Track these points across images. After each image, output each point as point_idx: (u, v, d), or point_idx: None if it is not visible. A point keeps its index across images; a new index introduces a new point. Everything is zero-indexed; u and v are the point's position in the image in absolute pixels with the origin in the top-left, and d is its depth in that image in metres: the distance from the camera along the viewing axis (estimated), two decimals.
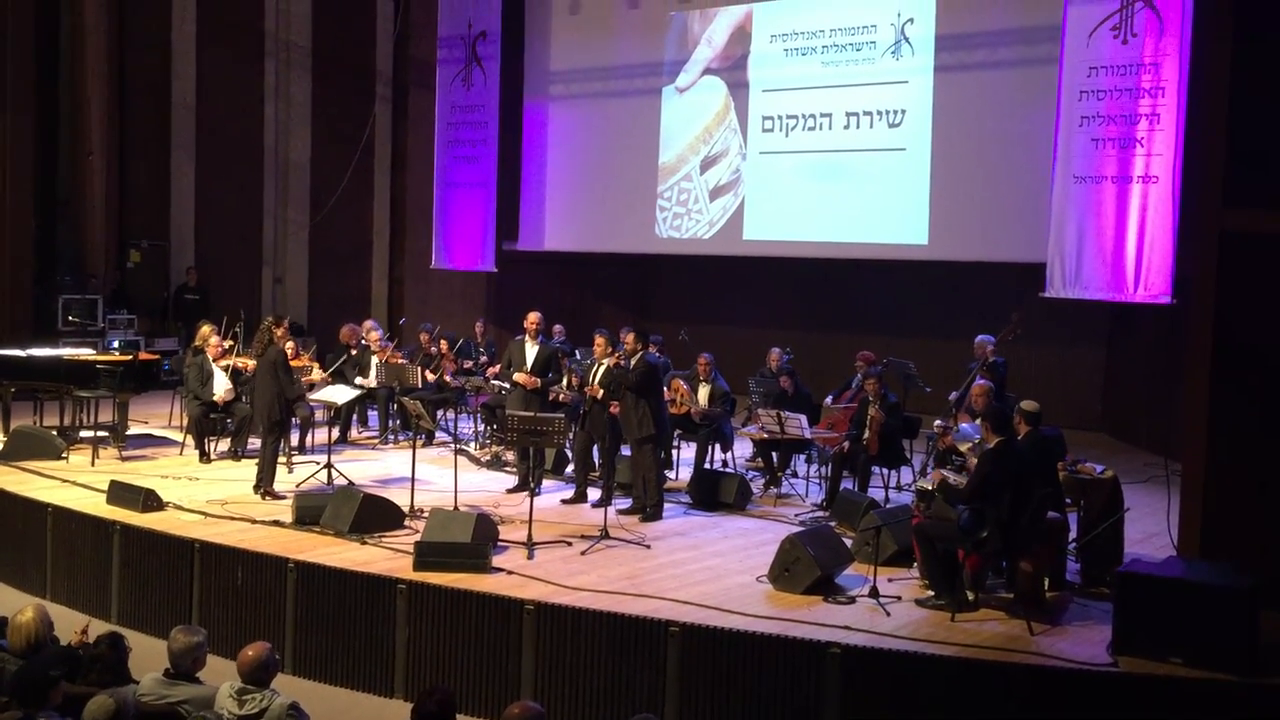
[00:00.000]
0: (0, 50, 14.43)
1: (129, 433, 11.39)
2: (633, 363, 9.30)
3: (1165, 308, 11.04)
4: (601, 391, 9.49)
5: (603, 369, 9.58)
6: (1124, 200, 11.26)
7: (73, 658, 5.61)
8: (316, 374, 11.43)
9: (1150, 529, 8.79)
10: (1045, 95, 11.97)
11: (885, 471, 10.13)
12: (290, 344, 10.96)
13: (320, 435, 11.63)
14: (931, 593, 7.38)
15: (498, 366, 11.65)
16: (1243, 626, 6.23)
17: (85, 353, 12.00)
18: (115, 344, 14.18)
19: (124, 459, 10.73)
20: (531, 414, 8.93)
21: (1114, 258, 11.30)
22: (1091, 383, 14.14)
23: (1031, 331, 10.66)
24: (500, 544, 8.23)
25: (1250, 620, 6.24)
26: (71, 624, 6.83)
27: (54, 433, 11.04)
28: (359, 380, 12.02)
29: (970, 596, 7.27)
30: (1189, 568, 6.92)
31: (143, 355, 12.19)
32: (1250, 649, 6.21)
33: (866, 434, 9.75)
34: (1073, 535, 8.01)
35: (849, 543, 8.21)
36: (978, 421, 8.36)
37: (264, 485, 9.50)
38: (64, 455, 10.59)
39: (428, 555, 7.66)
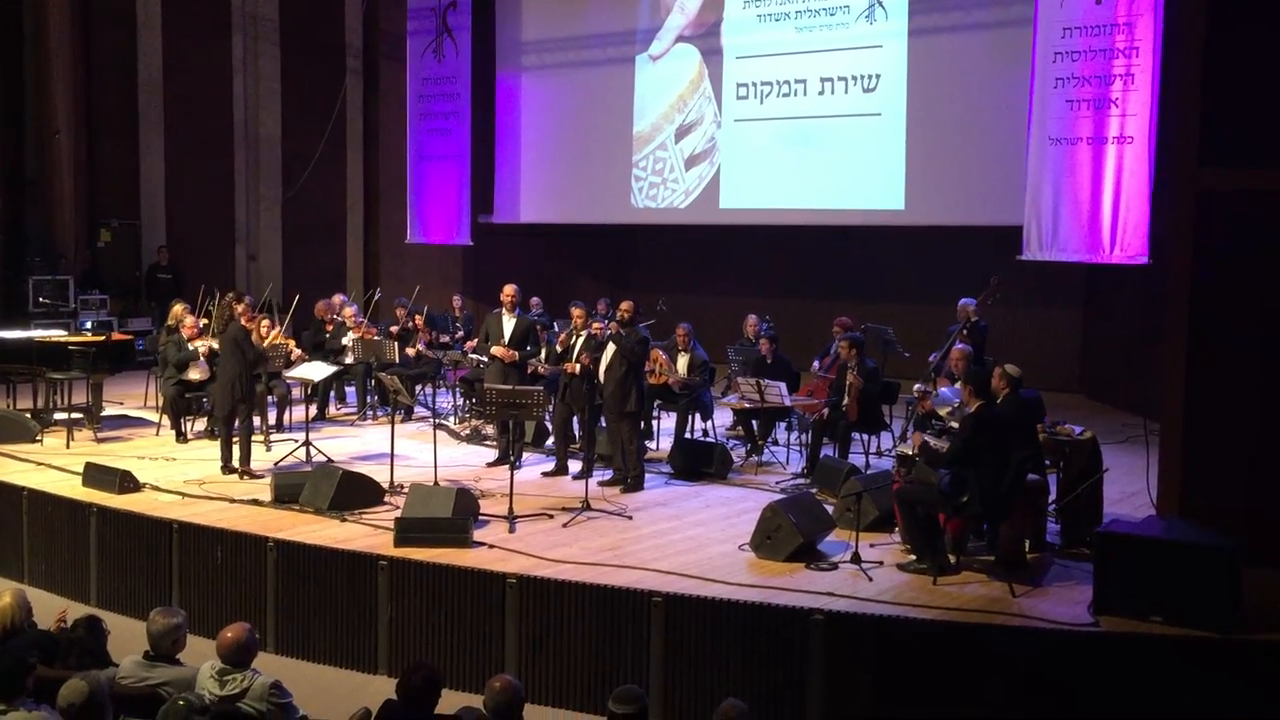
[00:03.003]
0: None
1: (104, 414, 11.29)
2: (625, 334, 9.23)
3: (1142, 268, 11.05)
4: (579, 367, 9.44)
5: (582, 340, 9.53)
6: (1099, 161, 11.25)
7: (50, 642, 5.55)
8: (289, 343, 11.29)
9: (1129, 489, 8.82)
10: (1020, 57, 11.92)
11: (865, 437, 10.13)
12: (266, 321, 10.84)
13: (298, 413, 11.55)
14: (913, 557, 7.40)
15: (475, 340, 11.57)
16: (1225, 584, 6.26)
17: (57, 334, 11.87)
18: (88, 325, 14.10)
19: (99, 440, 10.63)
20: (510, 387, 8.88)
21: (1090, 219, 11.31)
22: (1069, 345, 14.18)
23: (1009, 294, 10.67)
24: (481, 518, 8.20)
25: (1233, 578, 6.27)
26: (50, 608, 6.79)
27: (27, 415, 10.92)
28: (347, 341, 11.94)
29: (952, 560, 7.30)
30: (1169, 527, 6.94)
31: (116, 335, 12.08)
32: (1232, 606, 6.25)
33: (846, 400, 9.74)
34: (1052, 497, 8.04)
35: (830, 509, 8.22)
36: (957, 385, 8.37)
37: (241, 466, 9.41)
38: (38, 438, 10.50)
39: (409, 531, 7.62)
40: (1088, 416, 10.89)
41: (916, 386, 9.40)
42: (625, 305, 9.46)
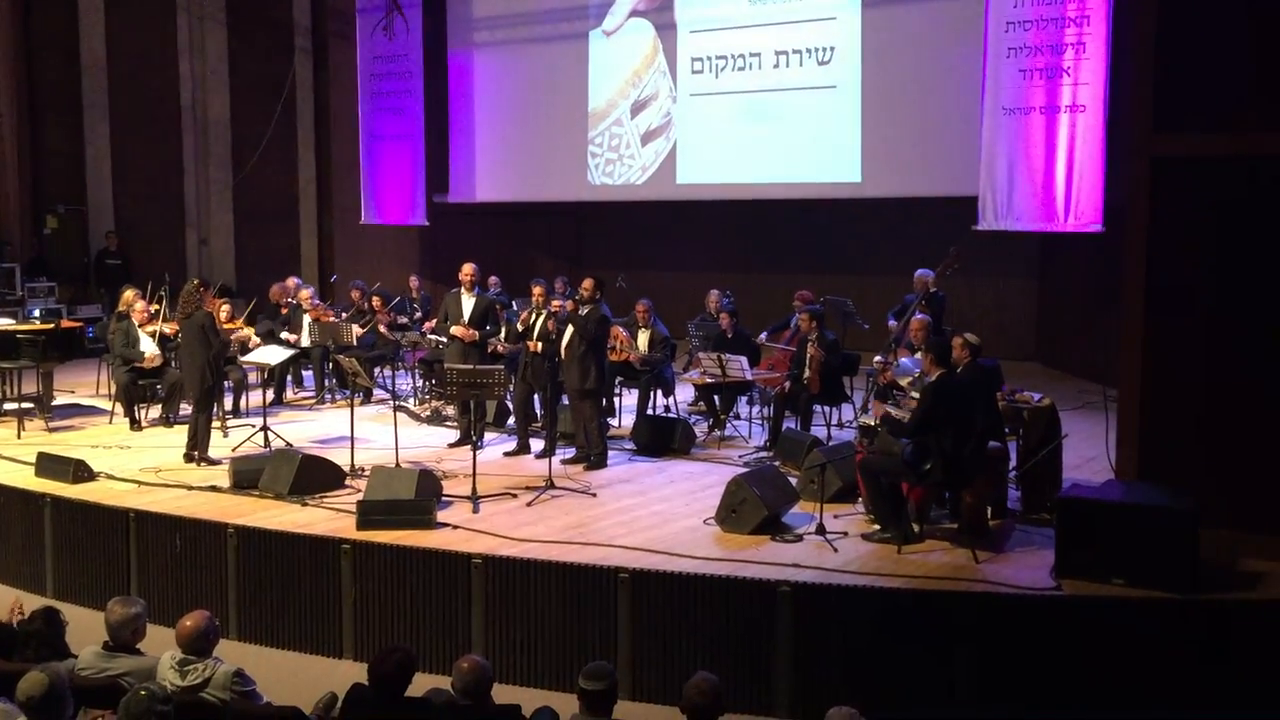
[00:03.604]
0: None
1: (55, 403, 11.08)
2: (586, 311, 9.18)
3: (1095, 236, 11.14)
4: (540, 345, 9.38)
5: (542, 318, 9.47)
6: (1052, 130, 11.31)
7: (8, 634, 5.45)
8: (247, 333, 11.13)
9: (1087, 454, 8.90)
10: (973, 28, 11.93)
11: (827, 409, 10.16)
12: (227, 307, 10.68)
13: (255, 398, 11.40)
14: (877, 527, 7.43)
15: (434, 321, 11.46)
16: (1184, 545, 6.33)
17: (5, 323, 11.61)
18: (36, 313, 13.82)
19: (51, 430, 10.45)
20: (470, 366, 8.80)
21: (1044, 188, 11.37)
22: (1024, 313, 14.30)
23: (965, 265, 10.74)
24: (444, 499, 8.14)
25: (1191, 539, 6.34)
26: (5, 601, 6.65)
27: None
28: (289, 336, 11.79)
29: (915, 529, 7.33)
30: (1128, 490, 7.02)
31: (65, 323, 11.84)
32: (1191, 567, 6.33)
33: (807, 373, 9.76)
34: (1012, 464, 8.10)
35: (794, 481, 8.23)
36: (917, 355, 8.40)
37: (200, 452, 9.28)
38: None
39: (371, 514, 7.54)
40: (1044, 384, 10.97)
41: (876, 358, 9.43)
42: (586, 283, 9.37)
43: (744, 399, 10.93)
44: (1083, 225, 11.16)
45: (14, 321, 11.82)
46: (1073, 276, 13.25)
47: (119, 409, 10.81)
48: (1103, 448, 8.38)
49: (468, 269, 9.90)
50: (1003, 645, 6.34)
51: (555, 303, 9.52)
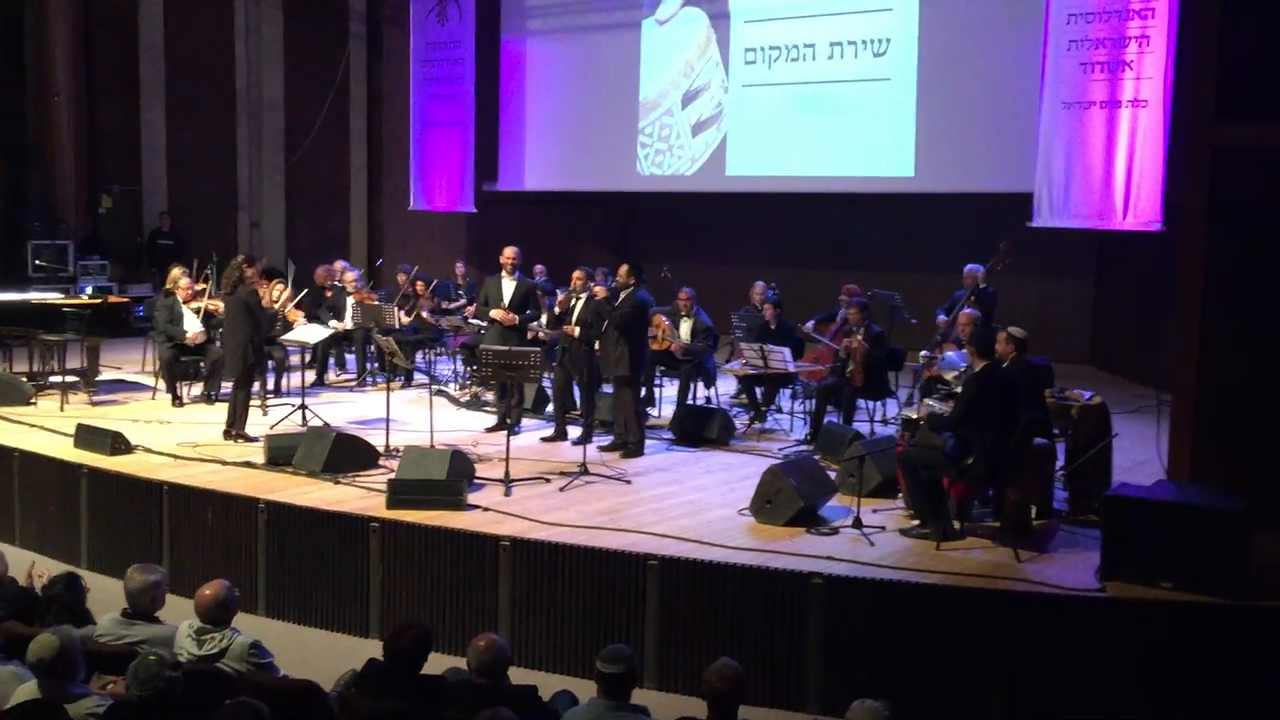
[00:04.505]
0: None
1: (100, 378, 11.16)
2: (621, 297, 9.07)
3: (1155, 236, 10.82)
4: (579, 329, 9.27)
5: (582, 303, 9.37)
6: (1113, 126, 11.00)
7: (29, 598, 5.44)
8: (294, 315, 11.13)
9: (1138, 457, 8.61)
10: (1032, 19, 11.67)
11: (871, 405, 9.95)
12: (280, 285, 10.66)
13: (296, 379, 11.40)
14: (916, 522, 7.22)
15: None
16: (1236, 549, 6.08)
17: (52, 296, 11.74)
18: (87, 290, 13.97)
19: (94, 404, 10.51)
20: (506, 347, 8.70)
21: (1103, 185, 11.07)
22: (1079, 315, 13.94)
23: (1018, 263, 10.48)
24: (477, 481, 8.06)
25: (1244, 542, 6.08)
26: (41, 569, 6.66)
27: (22, 378, 10.80)
28: (334, 323, 11.78)
29: (956, 526, 7.12)
30: (1180, 490, 6.76)
31: (112, 299, 11.94)
32: (1243, 572, 6.07)
33: (851, 366, 9.56)
34: (1060, 463, 7.85)
35: (833, 475, 8.04)
36: (964, 350, 8.18)
37: (237, 429, 9.28)
38: (32, 400, 10.38)
39: (401, 493, 7.47)
40: (1097, 387, 10.60)
41: (923, 353, 9.25)
42: (622, 269, 9.25)
43: (787, 392, 10.75)
44: (1142, 224, 10.84)
45: (62, 296, 11.94)
46: (1130, 277, 12.90)
47: (162, 385, 10.86)
48: (1154, 451, 8.11)
49: (509, 252, 9.81)
50: (1042, 647, 6.11)
51: (596, 288, 9.41)
